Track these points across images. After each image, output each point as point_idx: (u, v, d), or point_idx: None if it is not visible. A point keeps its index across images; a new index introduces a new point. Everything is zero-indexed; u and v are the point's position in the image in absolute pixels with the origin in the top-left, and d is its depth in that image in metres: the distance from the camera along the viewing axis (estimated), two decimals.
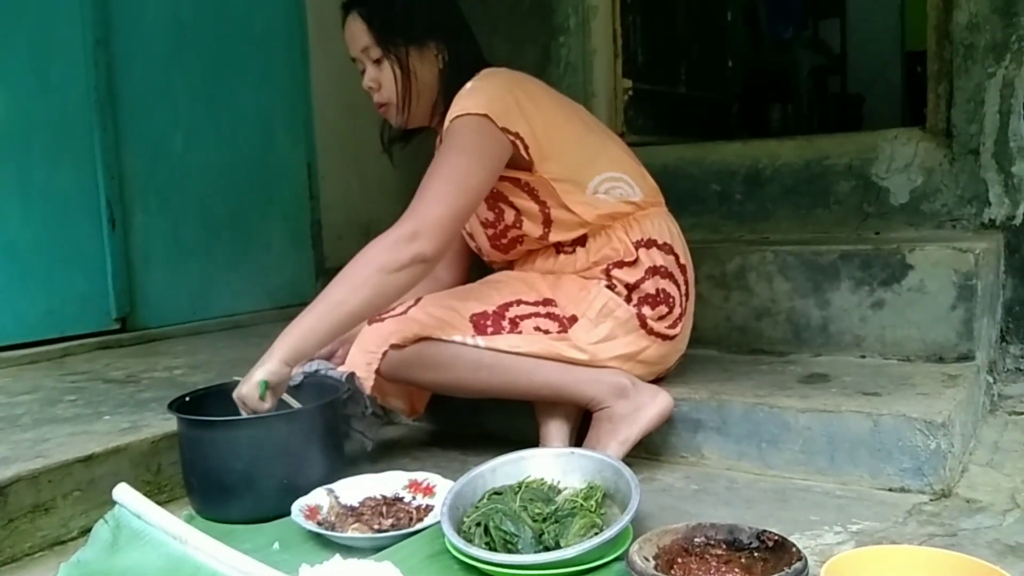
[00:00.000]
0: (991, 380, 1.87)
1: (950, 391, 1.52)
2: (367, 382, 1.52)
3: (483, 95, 1.47)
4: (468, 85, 1.49)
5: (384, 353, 1.48)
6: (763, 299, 1.92)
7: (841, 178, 2.25)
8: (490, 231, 1.63)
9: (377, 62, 1.54)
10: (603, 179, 1.56)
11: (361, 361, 1.52)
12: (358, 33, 1.54)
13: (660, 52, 3.00)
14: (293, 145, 2.82)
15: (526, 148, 1.49)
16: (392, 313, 1.51)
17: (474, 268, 1.81)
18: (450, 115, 1.47)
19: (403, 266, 1.36)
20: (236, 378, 1.50)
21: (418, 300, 1.54)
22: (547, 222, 1.56)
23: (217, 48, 2.58)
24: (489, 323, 1.49)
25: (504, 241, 1.63)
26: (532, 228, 1.57)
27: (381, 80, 1.55)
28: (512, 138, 1.47)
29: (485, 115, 1.44)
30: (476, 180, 1.44)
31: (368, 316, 1.45)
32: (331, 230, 2.93)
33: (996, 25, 2.03)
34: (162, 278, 2.44)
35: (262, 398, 1.33)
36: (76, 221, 2.25)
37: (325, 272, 2.89)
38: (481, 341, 1.47)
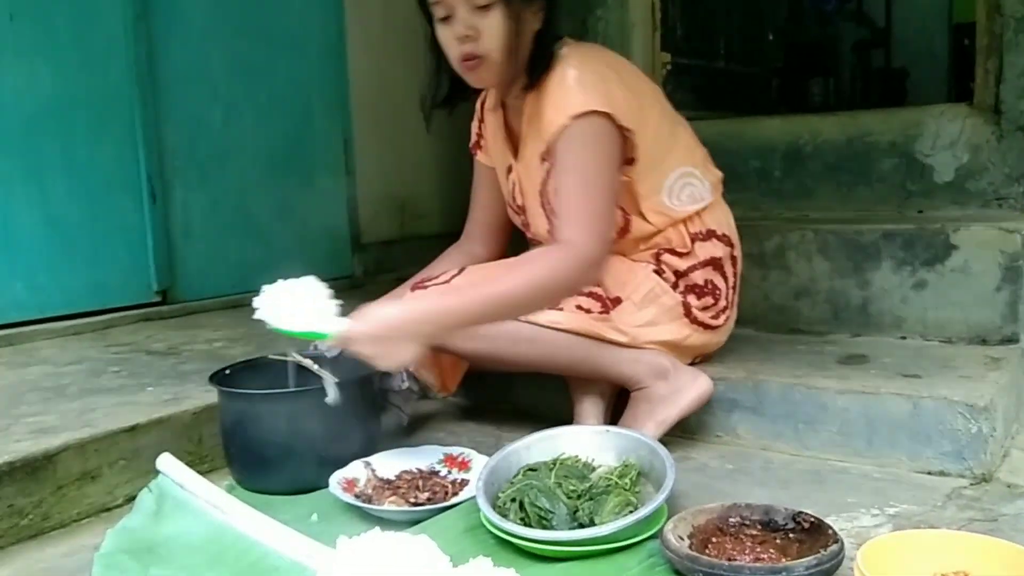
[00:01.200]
0: None
1: (993, 374, 1.49)
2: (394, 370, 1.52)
3: (597, 88, 1.39)
4: (571, 73, 1.40)
5: None
6: (802, 278, 1.90)
7: (884, 155, 2.20)
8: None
9: (483, 8, 1.36)
10: (677, 176, 1.53)
11: None
12: None
13: (699, 25, 2.95)
14: (330, 120, 2.83)
15: (634, 146, 1.45)
16: (436, 281, 1.51)
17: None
18: (567, 110, 1.37)
19: (572, 293, 1.42)
20: (272, 356, 1.52)
21: (462, 269, 1.53)
22: (623, 231, 1.54)
23: (254, 22, 2.58)
24: None
25: None
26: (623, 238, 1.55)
27: (482, 29, 1.37)
28: (627, 134, 1.42)
29: (608, 114, 1.38)
30: (615, 192, 1.43)
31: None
32: (367, 205, 2.94)
33: None
34: (202, 251, 2.47)
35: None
36: (118, 196, 2.28)
37: (361, 247, 2.92)
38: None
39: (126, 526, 1.27)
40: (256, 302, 1.34)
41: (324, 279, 2.75)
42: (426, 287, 1.51)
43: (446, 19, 1.40)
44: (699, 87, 2.91)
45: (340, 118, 2.86)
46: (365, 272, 2.91)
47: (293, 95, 2.72)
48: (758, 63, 3.51)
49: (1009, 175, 2.05)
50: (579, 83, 1.39)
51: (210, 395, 1.49)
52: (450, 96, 1.54)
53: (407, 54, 3.05)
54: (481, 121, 1.70)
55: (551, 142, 1.40)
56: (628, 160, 1.47)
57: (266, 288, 1.34)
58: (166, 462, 1.38)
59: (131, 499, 1.35)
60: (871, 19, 5.10)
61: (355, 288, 2.83)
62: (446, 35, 1.41)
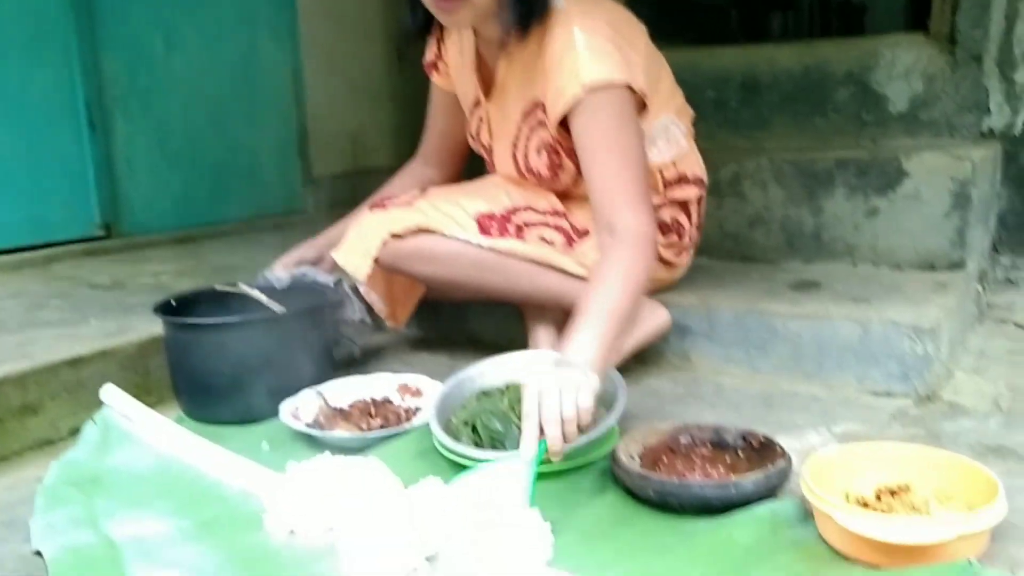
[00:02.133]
0: (981, 289, 1.87)
1: (939, 298, 1.51)
2: (362, 269, 1.47)
3: (610, 54, 1.28)
4: (579, 36, 1.29)
5: (384, 241, 1.44)
6: (757, 207, 1.90)
7: (840, 85, 2.19)
8: (531, 177, 1.51)
9: None
10: (661, 125, 1.49)
11: (359, 247, 1.47)
12: None
13: None
14: (277, 50, 2.73)
15: (644, 105, 1.38)
16: (396, 201, 1.47)
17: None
18: (581, 78, 1.27)
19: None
20: (218, 286, 1.49)
21: (425, 191, 1.49)
22: None
23: None
24: (494, 225, 1.44)
25: (540, 187, 1.53)
26: (583, 186, 1.46)
27: None
28: (640, 95, 1.34)
29: (626, 84, 1.29)
30: (647, 162, 1.35)
31: None
32: (318, 138, 2.87)
33: None
34: (147, 184, 2.40)
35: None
36: (55, 126, 2.19)
37: (312, 181, 2.85)
38: (484, 241, 1.43)
39: (71, 458, 1.24)
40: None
41: (274, 214, 2.71)
42: (386, 206, 1.47)
43: None
44: (657, 17, 2.85)
45: (288, 47, 2.77)
46: (317, 206, 2.86)
47: (239, 23, 2.61)
48: None
49: (961, 105, 2.06)
50: (590, 48, 1.28)
51: (156, 326, 1.45)
52: (427, 27, 1.45)
53: None
54: (440, 40, 1.59)
55: (563, 113, 1.31)
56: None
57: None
58: (110, 393, 1.35)
59: (75, 432, 1.33)
60: None
61: (307, 222, 2.78)
62: None
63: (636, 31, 1.44)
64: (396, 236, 1.44)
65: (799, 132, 2.24)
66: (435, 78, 1.64)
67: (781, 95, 2.27)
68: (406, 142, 3.07)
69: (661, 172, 1.52)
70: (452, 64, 1.59)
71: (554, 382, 1.04)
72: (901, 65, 2.12)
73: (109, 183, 2.30)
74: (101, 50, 2.27)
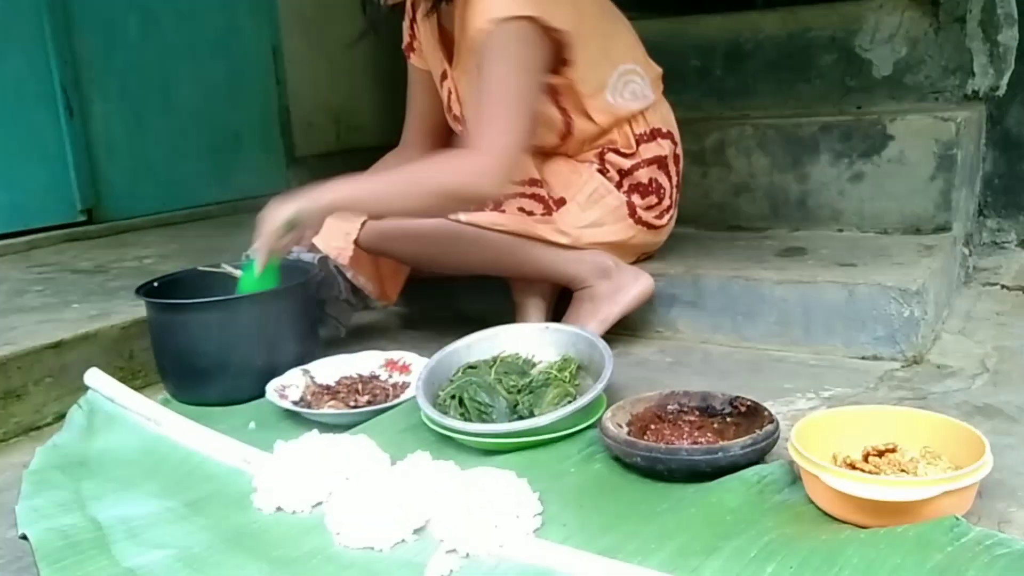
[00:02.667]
0: (967, 252, 1.87)
1: (925, 260, 1.51)
2: (345, 252, 1.48)
3: None
4: None
5: (364, 223, 1.44)
6: (742, 174, 1.89)
7: (824, 51, 2.18)
8: None
9: None
10: (620, 73, 1.48)
11: (339, 230, 1.47)
12: None
13: None
14: (257, 27, 2.70)
15: (568, 46, 1.38)
16: None
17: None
18: (487, 12, 1.29)
19: (471, 199, 1.34)
20: (201, 268, 1.48)
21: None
22: (565, 134, 1.49)
23: None
24: None
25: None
26: (548, 138, 1.50)
27: None
28: (557, 36, 1.35)
29: (531, 17, 1.30)
30: (535, 101, 1.35)
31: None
32: (300, 117, 2.84)
33: None
34: (127, 168, 2.37)
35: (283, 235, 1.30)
36: (31, 110, 2.16)
37: (295, 160, 2.82)
38: (463, 216, 1.42)
39: (56, 442, 1.23)
40: None
41: (257, 195, 2.69)
42: None
43: None
44: None
45: (267, 25, 2.73)
46: (300, 186, 2.82)
47: (217, 2, 2.57)
48: None
49: (946, 67, 2.05)
50: None
51: (139, 309, 1.44)
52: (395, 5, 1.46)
53: None
54: (413, 21, 1.60)
55: (477, 50, 1.33)
56: (563, 61, 1.41)
57: None
58: (95, 377, 1.34)
59: (61, 417, 1.31)
60: None
61: None
62: None
63: None
64: (375, 217, 1.43)
65: (784, 99, 2.23)
66: (412, 59, 1.63)
67: (765, 62, 2.26)
68: (390, 121, 3.03)
69: (631, 125, 1.52)
70: (423, 42, 1.58)
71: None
72: (884, 29, 2.11)
73: (89, 168, 2.27)
74: (76, 33, 2.23)
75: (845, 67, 2.16)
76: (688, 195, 1.91)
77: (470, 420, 1.12)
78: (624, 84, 1.50)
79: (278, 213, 1.29)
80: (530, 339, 1.29)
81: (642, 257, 1.63)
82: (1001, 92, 2.01)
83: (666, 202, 1.56)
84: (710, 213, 1.93)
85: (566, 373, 1.19)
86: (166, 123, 2.46)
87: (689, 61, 2.34)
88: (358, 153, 3.00)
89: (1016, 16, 1.97)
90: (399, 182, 1.32)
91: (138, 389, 1.40)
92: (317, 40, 2.87)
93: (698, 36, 2.34)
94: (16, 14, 2.11)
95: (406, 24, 1.62)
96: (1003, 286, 1.77)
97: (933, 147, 1.70)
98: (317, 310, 1.52)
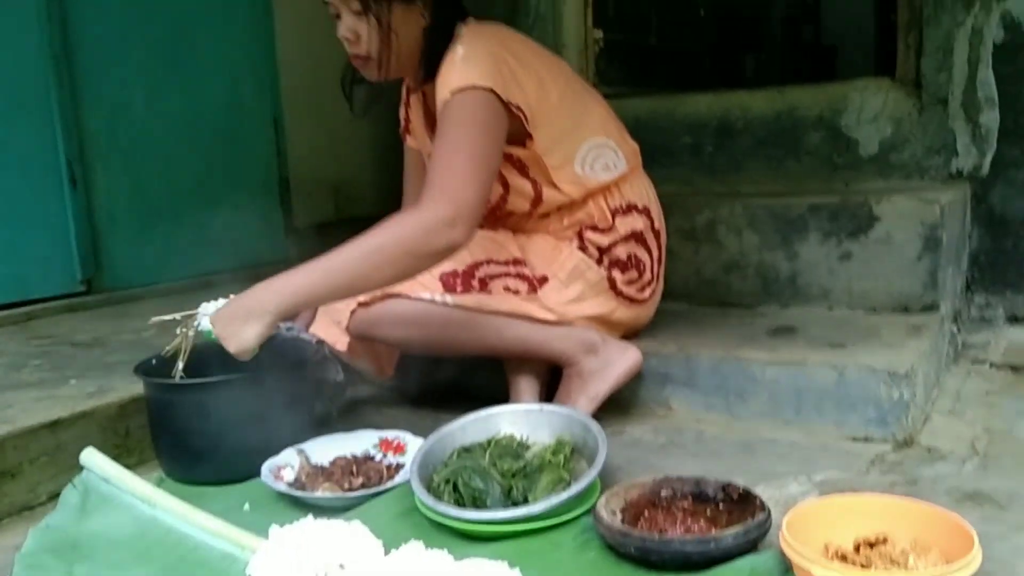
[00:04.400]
0: (955, 329, 1.90)
1: (914, 342, 1.54)
2: (342, 340, 1.51)
3: (481, 64, 1.37)
4: (460, 51, 1.39)
5: (352, 312, 1.47)
6: (732, 252, 1.93)
7: (812, 129, 2.25)
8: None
9: (357, 13, 1.40)
10: (590, 147, 1.53)
11: (329, 320, 1.51)
12: None
13: (631, 2, 2.96)
14: (259, 101, 2.76)
15: (526, 119, 1.43)
16: None
17: None
18: (449, 85, 1.36)
19: (437, 253, 1.29)
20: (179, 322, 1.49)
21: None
22: (536, 201, 1.53)
23: (176, 2, 2.50)
24: (458, 282, 1.48)
25: (486, 216, 1.57)
26: (519, 204, 1.54)
27: (360, 32, 1.41)
28: (515, 110, 1.40)
29: (490, 88, 1.36)
30: (495, 159, 1.38)
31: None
32: (300, 187, 2.88)
33: None
34: (128, 238, 2.40)
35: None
36: (36, 182, 2.19)
37: (294, 230, 2.86)
38: (450, 299, 1.45)
39: (49, 524, 1.23)
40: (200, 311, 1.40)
41: (257, 265, 2.70)
42: None
43: (337, 17, 1.43)
44: (632, 63, 2.92)
45: (269, 99, 2.79)
46: (300, 257, 2.84)
47: (220, 75, 2.64)
48: (691, 39, 3.54)
49: (930, 147, 2.11)
50: (464, 60, 1.38)
51: (137, 386, 1.45)
52: (374, 84, 1.53)
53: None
54: (407, 106, 1.68)
55: (439, 118, 1.38)
56: (528, 135, 1.46)
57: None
58: (90, 456, 1.34)
59: (55, 497, 1.31)
60: None
61: None
62: (337, 33, 1.44)
63: (532, 53, 1.50)
64: (363, 304, 1.46)
65: (773, 176, 2.29)
66: (409, 141, 1.70)
67: (755, 140, 2.32)
68: (388, 191, 3.09)
69: (606, 200, 1.55)
70: (414, 123, 1.65)
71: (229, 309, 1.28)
72: (870, 109, 2.17)
73: (90, 239, 2.30)
74: (83, 107, 2.28)
75: (832, 145, 2.22)
76: (680, 271, 1.95)
77: (464, 505, 1.13)
78: (595, 157, 1.54)
79: (245, 343, 1.28)
80: (524, 421, 1.30)
81: (632, 333, 1.65)
82: (984, 171, 2.07)
83: (647, 276, 1.59)
84: (702, 289, 1.96)
85: (560, 457, 1.20)
86: (167, 193, 2.49)
87: (680, 138, 2.40)
88: (356, 223, 3.05)
89: (996, 99, 2.03)
90: (356, 259, 1.28)
91: (133, 466, 1.40)
92: (317, 112, 2.94)
93: (689, 113, 2.41)
94: (25, 88, 2.16)
95: (401, 110, 1.70)
96: (991, 364, 1.79)
97: (918, 228, 1.73)
98: (312, 388, 1.53)
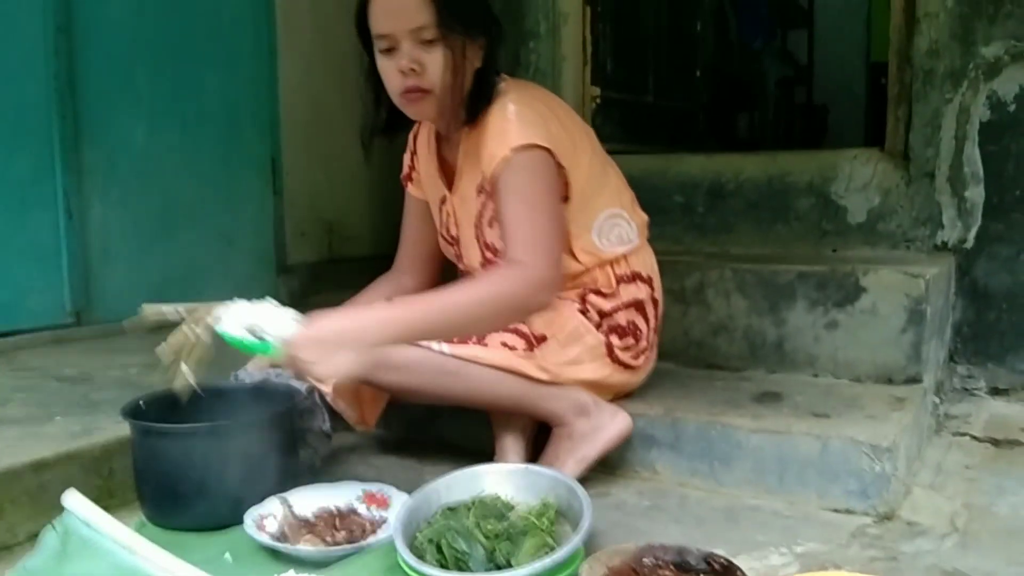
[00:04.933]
0: (938, 400, 1.92)
1: (897, 414, 1.56)
2: (330, 380, 1.50)
3: (537, 123, 1.41)
4: (511, 107, 1.42)
5: None
6: (720, 315, 1.95)
7: (802, 195, 2.29)
8: (490, 255, 1.57)
9: (428, 43, 1.38)
10: (606, 217, 1.56)
11: None
12: (414, 7, 1.37)
13: (629, 60, 3.02)
14: (258, 139, 2.79)
15: (568, 184, 1.47)
16: None
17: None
18: (509, 142, 1.39)
19: (533, 310, 1.40)
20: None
21: (390, 300, 1.52)
22: None
23: (182, 39, 2.53)
24: None
25: None
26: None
27: (427, 64, 1.39)
28: (563, 172, 1.44)
29: (549, 149, 1.40)
30: (562, 220, 1.44)
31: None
32: (295, 226, 2.90)
33: (955, 52, 2.08)
34: (121, 271, 2.40)
35: None
36: (31, 212, 2.20)
37: (287, 269, 2.87)
38: (446, 348, 1.45)
39: (27, 566, 1.22)
40: (217, 311, 1.30)
41: (248, 300, 2.69)
42: None
43: (389, 51, 1.41)
44: (628, 121, 2.98)
45: (269, 137, 2.82)
46: (291, 295, 2.87)
47: (220, 113, 2.67)
48: (686, 98, 3.61)
49: (916, 218, 2.16)
50: (519, 117, 1.42)
51: (122, 426, 1.44)
52: (389, 126, 1.56)
53: (339, 74, 3.05)
54: (413, 154, 1.70)
55: (494, 174, 1.41)
56: (563, 198, 1.49)
57: (229, 304, 1.31)
58: (72, 499, 1.33)
59: (34, 537, 1.29)
60: (794, 57, 5.29)
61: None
62: (389, 67, 1.42)
63: (568, 115, 1.56)
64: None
65: (763, 238, 2.33)
66: (410, 189, 1.71)
67: (746, 202, 2.36)
68: (382, 232, 3.12)
69: (613, 267, 1.58)
70: (423, 172, 1.66)
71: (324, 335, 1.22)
72: (859, 178, 2.22)
73: (83, 271, 2.30)
74: (83, 140, 2.30)
75: (822, 211, 2.27)
76: (668, 332, 1.96)
77: (447, 567, 1.12)
78: (611, 227, 1.57)
79: (339, 370, 1.24)
80: (510, 481, 1.31)
81: (622, 396, 1.66)
82: (969, 245, 2.11)
83: (643, 344, 1.61)
84: (689, 351, 1.98)
85: (544, 520, 1.20)
86: (162, 228, 2.50)
87: (673, 197, 2.44)
88: (349, 262, 3.07)
89: (982, 175, 2.09)
90: (461, 302, 1.31)
91: (115, 508, 1.40)
92: (316, 152, 2.97)
93: (682, 174, 2.46)
94: (28, 120, 2.18)
95: (406, 157, 1.72)
96: (972, 436, 1.81)
97: (904, 301, 1.76)
98: (298, 437, 1.53)
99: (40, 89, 2.20)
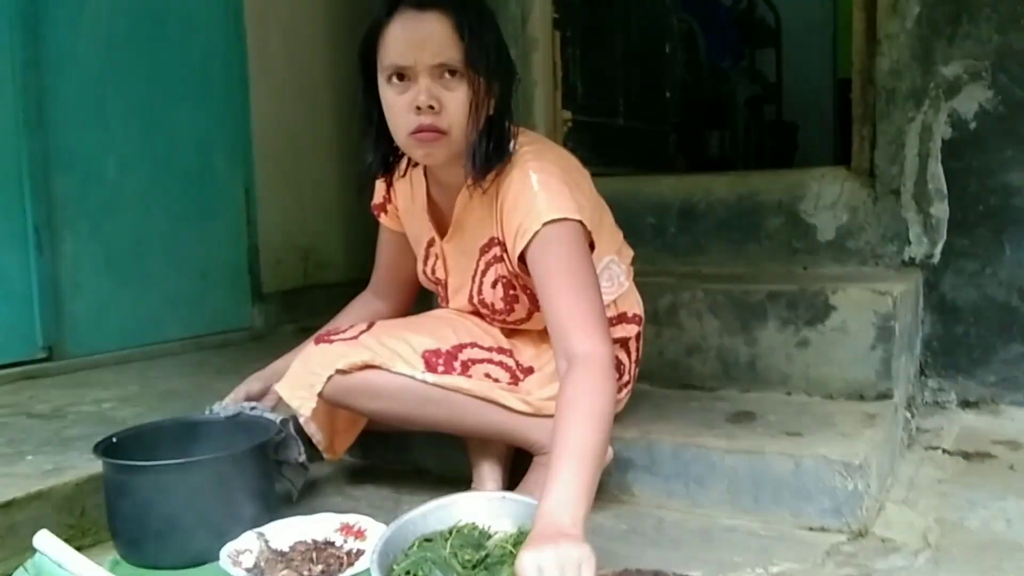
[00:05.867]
0: (909, 415, 1.95)
1: (868, 431, 1.57)
2: (307, 404, 1.48)
3: (564, 195, 1.35)
4: (534, 177, 1.35)
5: (329, 377, 1.45)
6: (694, 336, 1.97)
7: (772, 214, 2.32)
8: (485, 311, 1.57)
9: (451, 80, 1.30)
10: (604, 265, 1.55)
11: (304, 381, 1.47)
12: (442, 40, 1.29)
13: (599, 83, 3.05)
14: (231, 170, 2.79)
15: (591, 244, 1.42)
16: (342, 336, 1.48)
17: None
18: (540, 216, 1.32)
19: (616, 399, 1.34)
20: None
21: (371, 325, 1.51)
22: (533, 311, 1.52)
23: (153, 72, 2.54)
24: (440, 362, 1.47)
25: (497, 322, 1.59)
26: (540, 322, 1.52)
27: (447, 103, 1.31)
28: (588, 234, 1.39)
29: (580, 221, 1.34)
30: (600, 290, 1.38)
31: None
32: (269, 255, 2.90)
33: (916, 72, 2.12)
34: (92, 305, 2.38)
35: None
36: (1, 247, 2.18)
37: (262, 297, 2.87)
38: (430, 377, 1.45)
39: None
40: None
41: (223, 331, 2.70)
42: (332, 340, 1.48)
43: (403, 85, 1.32)
44: (600, 143, 3.01)
45: (242, 167, 2.82)
46: (266, 323, 2.86)
47: (193, 144, 2.67)
48: (657, 119, 3.65)
49: (883, 235, 2.19)
50: (547, 189, 1.35)
51: (94, 464, 1.43)
52: (387, 167, 1.50)
53: (312, 103, 3.07)
54: (390, 185, 1.64)
55: (525, 249, 1.35)
56: None
57: None
58: (44, 540, 1.31)
59: None
60: (763, 75, 5.37)
61: (255, 340, 2.78)
62: (400, 102, 1.32)
63: (582, 175, 1.54)
64: (341, 372, 1.46)
65: (734, 257, 2.35)
66: (383, 219, 1.70)
67: (716, 222, 2.39)
68: (357, 258, 3.13)
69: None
70: (402, 207, 1.65)
71: (555, 562, 0.99)
72: (827, 197, 2.26)
73: (54, 305, 2.28)
74: (53, 173, 2.29)
75: (791, 230, 2.30)
76: (644, 353, 1.97)
77: None
78: (606, 276, 1.56)
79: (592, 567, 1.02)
80: (487, 510, 1.30)
81: None
82: (936, 260, 2.14)
83: (625, 378, 1.62)
84: (664, 371, 1.99)
85: (521, 548, 1.20)
86: (134, 261, 2.49)
87: (645, 218, 2.46)
88: (325, 288, 3.07)
89: (946, 191, 2.13)
90: (598, 437, 1.18)
91: (88, 547, 1.39)
92: (290, 180, 2.98)
93: (653, 194, 2.48)
94: None
95: (380, 184, 1.65)
96: (944, 450, 1.84)
97: (873, 319, 1.79)
98: (273, 469, 1.53)
99: (9, 124, 2.19)
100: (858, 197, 2.22)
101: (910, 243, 2.17)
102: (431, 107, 1.30)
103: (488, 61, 1.32)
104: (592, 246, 1.42)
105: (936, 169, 2.14)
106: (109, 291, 2.43)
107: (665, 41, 3.79)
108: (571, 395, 1.22)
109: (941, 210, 2.14)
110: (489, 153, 1.37)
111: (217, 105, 2.74)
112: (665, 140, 3.78)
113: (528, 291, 1.49)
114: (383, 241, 1.74)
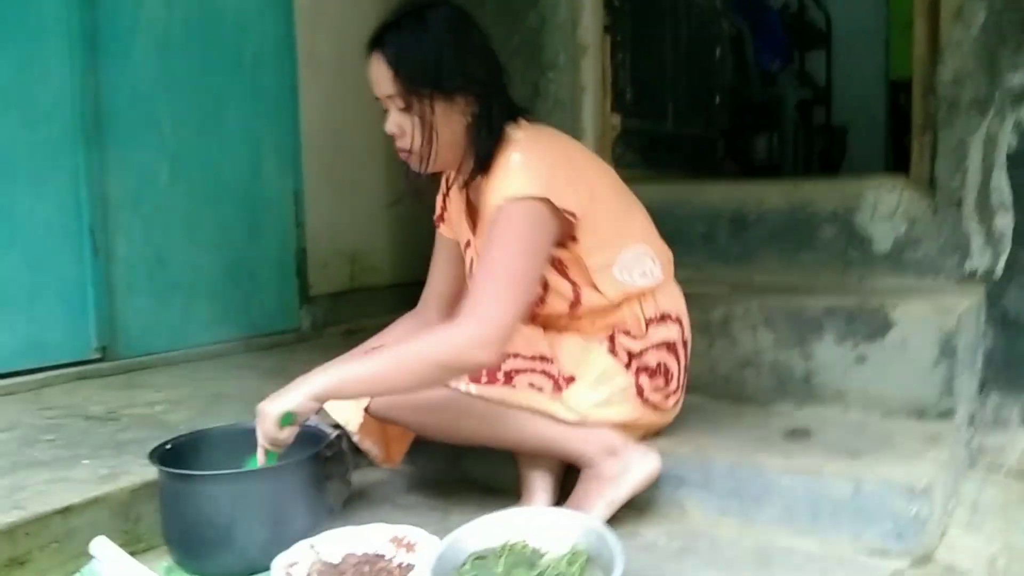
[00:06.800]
0: (971, 433, 1.89)
1: (932, 452, 1.53)
2: (354, 420, 1.51)
3: (537, 172, 1.41)
4: (516, 157, 1.42)
5: None
6: (747, 349, 1.93)
7: (826, 224, 2.26)
8: None
9: (402, 110, 1.45)
10: (633, 254, 1.55)
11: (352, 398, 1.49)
12: (382, 78, 1.45)
13: (648, 89, 3.02)
14: (280, 173, 2.81)
15: (576, 223, 1.46)
16: (387, 349, 1.49)
17: None
18: (505, 191, 1.40)
19: (465, 369, 1.40)
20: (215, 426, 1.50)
21: None
22: (575, 303, 1.54)
23: (206, 76, 2.56)
24: (483, 372, 1.47)
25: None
26: (558, 305, 1.55)
27: (404, 128, 1.46)
28: (568, 216, 1.43)
29: (544, 198, 1.39)
30: (536, 275, 1.43)
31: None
32: (316, 258, 2.91)
33: (981, 81, 2.05)
34: (145, 307, 2.41)
35: (282, 428, 1.33)
36: (58, 249, 2.22)
37: (309, 300, 2.88)
38: (473, 389, 1.45)
39: None
40: None
41: (270, 333, 2.72)
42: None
43: (385, 112, 1.48)
44: (648, 149, 2.97)
45: (291, 171, 2.84)
46: (313, 325, 2.88)
47: (243, 148, 2.69)
48: (705, 124, 3.60)
49: (944, 247, 2.12)
50: (521, 167, 1.41)
51: (149, 469, 1.44)
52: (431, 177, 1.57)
53: (360, 107, 3.06)
54: (445, 195, 1.69)
55: (490, 222, 1.41)
56: (572, 237, 1.48)
57: None
58: (100, 546, 1.33)
59: None
60: (813, 78, 5.27)
61: (302, 341, 2.80)
62: (385, 127, 1.49)
63: (586, 160, 1.55)
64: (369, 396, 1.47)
65: (786, 267, 2.30)
66: (442, 229, 1.71)
67: (768, 231, 2.34)
68: (404, 262, 3.13)
69: (641, 306, 1.56)
70: (453, 213, 1.66)
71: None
72: (884, 207, 2.19)
73: (108, 306, 2.32)
74: (108, 176, 2.32)
75: (846, 240, 2.24)
76: (695, 365, 1.93)
77: None
78: (634, 263, 1.55)
79: (273, 409, 1.33)
80: (539, 527, 1.29)
81: (650, 434, 1.64)
82: (998, 274, 2.07)
83: (673, 385, 1.59)
84: (716, 384, 1.96)
85: (575, 567, 1.19)
86: (186, 263, 2.52)
87: (695, 226, 2.42)
88: (371, 291, 3.08)
89: (1011, 204, 2.05)
90: (390, 361, 1.36)
91: (141, 553, 1.40)
92: (338, 184, 2.99)
93: (703, 202, 2.44)
94: (55, 157, 2.20)
95: (439, 198, 1.71)
96: (1008, 469, 1.78)
97: (935, 335, 1.73)
98: (323, 481, 1.53)
99: (67, 130, 2.23)
100: (917, 207, 2.16)
101: (971, 256, 2.10)
102: (394, 133, 1.48)
103: (433, 84, 1.42)
104: (571, 225, 1.46)
105: (1000, 180, 2.06)
106: (162, 293, 2.46)
107: (715, 45, 3.73)
108: (424, 335, 1.41)
109: (1005, 222, 2.07)
110: (483, 151, 1.47)
111: (267, 108, 2.76)
112: (714, 145, 3.72)
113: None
114: (438, 252, 1.74)
